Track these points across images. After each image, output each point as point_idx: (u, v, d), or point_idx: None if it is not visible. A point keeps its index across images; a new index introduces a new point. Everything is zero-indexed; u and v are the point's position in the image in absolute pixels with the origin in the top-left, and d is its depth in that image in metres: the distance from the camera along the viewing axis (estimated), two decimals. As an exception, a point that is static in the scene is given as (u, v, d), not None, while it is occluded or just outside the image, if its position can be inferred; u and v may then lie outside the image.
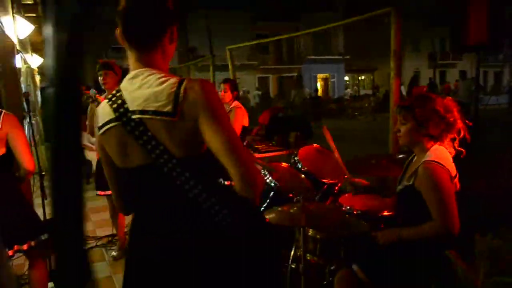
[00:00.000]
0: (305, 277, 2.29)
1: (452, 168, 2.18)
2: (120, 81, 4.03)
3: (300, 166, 3.12)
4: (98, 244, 4.68)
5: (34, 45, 9.05)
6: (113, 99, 1.44)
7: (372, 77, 32.91)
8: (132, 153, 1.41)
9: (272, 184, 2.76)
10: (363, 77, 34.05)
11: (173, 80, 1.37)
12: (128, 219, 4.41)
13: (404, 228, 2.26)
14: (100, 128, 1.46)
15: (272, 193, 2.73)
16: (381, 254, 2.31)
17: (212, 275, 1.40)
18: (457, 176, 2.21)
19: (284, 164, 3.18)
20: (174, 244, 1.42)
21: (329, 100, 21.55)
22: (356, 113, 18.80)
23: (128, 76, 1.45)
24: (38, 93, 8.42)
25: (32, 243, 2.78)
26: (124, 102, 1.40)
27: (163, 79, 1.38)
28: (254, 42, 6.88)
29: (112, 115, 1.41)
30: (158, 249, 1.43)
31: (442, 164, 2.14)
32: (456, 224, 2.09)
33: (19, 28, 4.48)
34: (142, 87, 1.38)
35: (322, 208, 2.37)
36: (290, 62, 29.26)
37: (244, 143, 4.46)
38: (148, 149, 1.36)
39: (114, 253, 4.32)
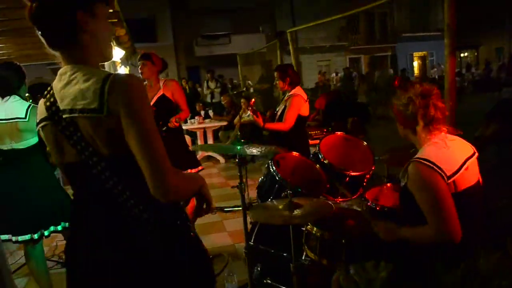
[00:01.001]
0: (297, 277, 2.17)
1: (448, 166, 1.89)
2: (160, 71, 4.18)
3: (320, 157, 2.94)
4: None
5: (116, 39, 9.65)
6: (47, 96, 1.45)
7: (476, 53, 29.98)
8: (66, 150, 1.42)
9: (277, 178, 2.62)
10: (466, 54, 31.15)
11: (99, 76, 1.35)
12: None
13: (404, 227, 2.03)
14: (37, 125, 1.49)
15: (276, 186, 2.60)
16: (380, 259, 2.10)
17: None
18: (459, 174, 1.91)
19: (294, 154, 3.00)
20: (99, 249, 1.42)
21: (423, 80, 20.08)
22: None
23: (58, 73, 1.45)
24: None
25: (67, 224, 3.02)
26: (55, 100, 1.41)
27: (89, 75, 1.36)
28: (319, 21, 6.56)
29: (45, 114, 1.44)
30: (87, 251, 1.45)
31: (431, 163, 1.87)
32: (454, 230, 1.83)
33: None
34: (69, 84, 1.38)
35: (313, 204, 2.20)
36: (383, 41, 27.75)
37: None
38: (78, 149, 1.37)
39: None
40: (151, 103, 4.00)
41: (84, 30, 1.39)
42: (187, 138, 8.65)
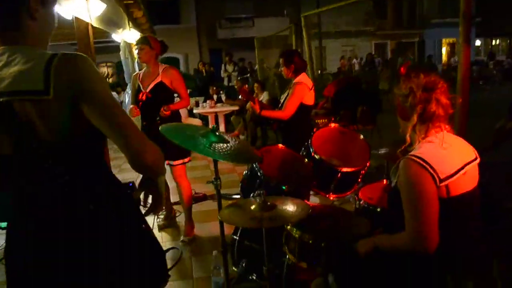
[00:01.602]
0: (270, 283, 2.02)
1: (443, 168, 1.69)
2: (157, 55, 4.04)
3: (311, 151, 2.75)
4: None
5: (133, 21, 9.57)
6: None
7: (508, 41, 28.73)
8: (2, 139, 1.30)
9: (259, 173, 2.44)
10: (497, 42, 29.90)
11: (42, 56, 1.25)
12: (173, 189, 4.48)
13: (379, 236, 1.85)
14: None
15: (257, 182, 2.43)
16: (359, 269, 1.95)
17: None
18: (455, 179, 1.70)
19: (280, 146, 2.82)
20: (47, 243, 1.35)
21: (450, 67, 19.34)
22: (480, 82, 16.59)
23: None
24: (136, 65, 8.98)
25: None
26: None
27: (31, 56, 1.26)
28: (338, 4, 6.27)
29: None
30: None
31: (424, 162, 1.67)
32: (429, 237, 1.65)
33: (91, 8, 4.74)
34: (7, 66, 1.26)
35: (288, 205, 2.02)
36: (410, 26, 26.85)
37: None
38: (16, 136, 1.26)
39: (159, 223, 4.43)
40: (148, 90, 3.88)
41: (33, 18, 1.31)
42: (198, 122, 8.57)
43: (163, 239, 4.14)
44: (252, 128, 8.08)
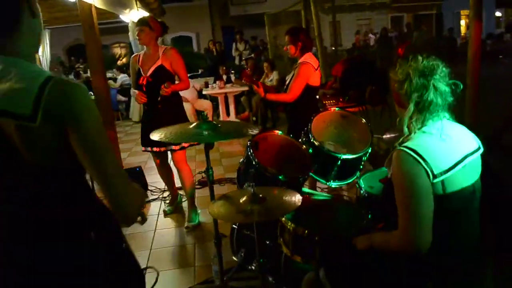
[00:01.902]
0: (262, 277, 1.95)
1: (439, 162, 1.56)
2: (158, 36, 3.93)
3: (311, 137, 2.64)
4: (160, 196, 4.83)
5: (141, 0, 9.42)
6: None
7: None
8: None
9: (254, 162, 2.34)
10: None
11: (38, 76, 1.14)
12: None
13: (375, 233, 1.76)
14: None
15: (252, 171, 2.33)
16: (352, 265, 1.87)
17: None
18: (452, 173, 1.57)
19: (277, 133, 2.70)
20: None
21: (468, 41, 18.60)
22: (500, 56, 15.98)
23: None
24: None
25: None
26: None
27: (26, 73, 1.15)
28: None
29: None
30: None
31: (417, 155, 1.55)
32: (421, 238, 1.53)
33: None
34: (1, 80, 1.14)
35: (280, 198, 1.94)
36: (428, -2, 26.02)
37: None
38: None
39: (165, 208, 4.42)
40: (148, 74, 3.80)
41: (34, 15, 1.22)
42: (208, 104, 8.48)
43: (169, 225, 4.13)
44: (262, 110, 7.96)
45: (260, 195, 1.90)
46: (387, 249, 1.68)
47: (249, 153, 2.36)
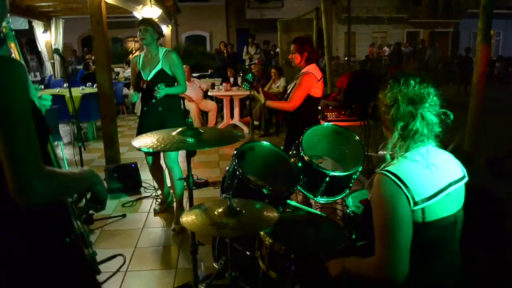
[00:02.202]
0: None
1: (421, 189, 1.50)
2: (158, 39, 3.91)
3: (301, 150, 2.58)
4: (153, 194, 4.79)
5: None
6: None
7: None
8: None
9: (238, 172, 2.25)
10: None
11: None
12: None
13: (349, 258, 1.70)
14: None
15: (236, 181, 2.28)
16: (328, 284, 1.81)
17: None
18: (434, 201, 1.52)
19: (265, 143, 2.60)
20: None
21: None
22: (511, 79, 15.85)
23: None
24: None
25: None
26: None
27: None
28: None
29: None
30: None
31: (399, 180, 1.49)
32: (397, 268, 1.46)
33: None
34: None
35: (256, 213, 1.89)
36: (446, 15, 25.78)
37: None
38: None
39: (156, 207, 4.39)
40: (148, 78, 3.80)
41: None
42: (213, 105, 8.45)
43: (157, 224, 4.09)
44: (266, 115, 7.92)
45: (237, 208, 1.85)
46: (361, 276, 1.63)
47: (234, 162, 2.31)
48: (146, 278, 3.13)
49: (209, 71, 12.35)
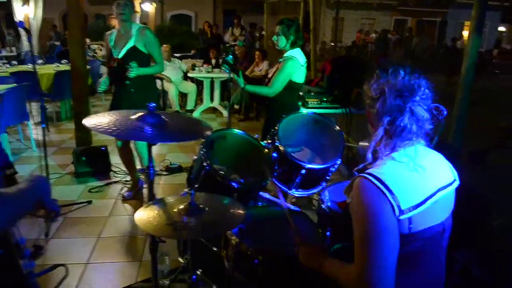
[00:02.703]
0: None
1: (408, 196, 1.31)
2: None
3: (276, 140, 2.38)
4: (122, 179, 4.55)
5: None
6: None
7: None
8: None
9: (205, 163, 2.05)
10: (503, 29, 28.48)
11: None
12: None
13: (330, 260, 1.50)
14: None
15: (202, 173, 2.06)
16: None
17: None
18: (422, 209, 1.32)
19: (237, 131, 2.39)
20: None
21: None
22: (496, 71, 15.82)
23: None
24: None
25: None
26: None
27: None
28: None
29: None
30: None
31: (383, 186, 1.29)
32: (380, 285, 1.25)
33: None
34: None
35: (218, 211, 1.68)
36: (434, 4, 25.66)
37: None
38: None
39: (124, 193, 4.15)
40: (119, 56, 3.54)
41: None
42: (193, 87, 8.17)
43: (124, 211, 3.86)
44: (247, 98, 7.68)
45: (200, 206, 1.64)
46: (338, 281, 1.43)
47: (202, 152, 2.09)
48: (108, 270, 2.92)
49: (192, 52, 11.99)
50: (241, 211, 1.67)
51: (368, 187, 1.31)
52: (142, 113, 1.80)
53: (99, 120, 1.78)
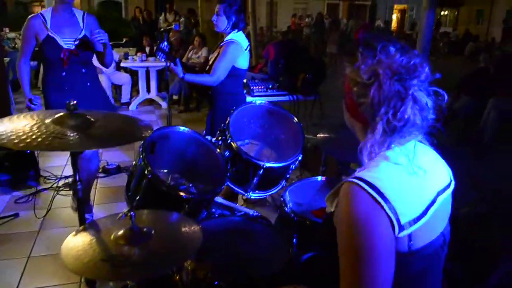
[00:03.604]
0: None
1: (409, 205, 1.06)
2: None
3: (228, 136, 2.07)
4: (53, 185, 4.04)
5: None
6: None
7: (456, 13, 28.93)
8: None
9: (146, 171, 1.70)
10: (446, 13, 29.98)
11: None
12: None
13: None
14: None
15: (144, 182, 1.70)
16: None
17: None
18: (423, 221, 1.07)
19: (182, 129, 2.04)
20: None
21: (401, 35, 19.01)
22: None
23: None
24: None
25: None
26: None
27: None
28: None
29: None
30: None
31: (379, 194, 1.02)
32: None
33: None
34: None
35: (176, 229, 1.37)
36: (364, -12, 26.32)
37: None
38: None
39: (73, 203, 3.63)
40: (73, 47, 3.00)
41: None
42: (127, 78, 7.62)
43: (59, 223, 3.39)
44: (185, 88, 7.26)
45: (144, 230, 1.31)
46: None
47: (141, 157, 1.74)
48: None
49: (124, 40, 11.26)
50: (196, 229, 1.35)
51: (359, 196, 1.03)
52: (61, 114, 1.42)
53: (13, 126, 1.38)
